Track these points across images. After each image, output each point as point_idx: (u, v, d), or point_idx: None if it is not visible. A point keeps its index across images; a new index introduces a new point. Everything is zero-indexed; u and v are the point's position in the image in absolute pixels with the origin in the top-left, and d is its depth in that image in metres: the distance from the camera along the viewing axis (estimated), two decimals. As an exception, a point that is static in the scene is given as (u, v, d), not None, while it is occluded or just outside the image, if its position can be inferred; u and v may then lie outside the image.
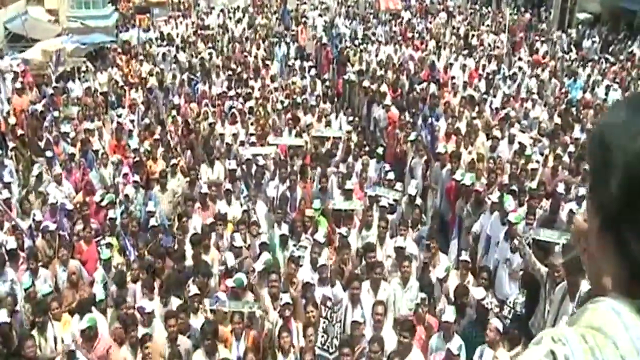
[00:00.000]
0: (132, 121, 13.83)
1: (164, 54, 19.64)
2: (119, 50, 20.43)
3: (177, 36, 22.56)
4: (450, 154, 10.56)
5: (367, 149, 12.45)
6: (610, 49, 21.63)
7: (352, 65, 17.47)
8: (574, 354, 0.98)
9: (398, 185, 10.00)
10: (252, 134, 12.76)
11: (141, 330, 6.90)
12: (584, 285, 6.73)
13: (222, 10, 27.40)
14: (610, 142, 0.99)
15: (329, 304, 7.22)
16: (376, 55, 18.93)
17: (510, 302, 7.05)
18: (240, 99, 15.09)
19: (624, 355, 0.95)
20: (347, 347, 6.27)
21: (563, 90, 16.56)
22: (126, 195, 10.38)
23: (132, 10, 28.17)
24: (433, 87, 15.15)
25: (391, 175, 10.41)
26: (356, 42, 20.79)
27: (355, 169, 10.79)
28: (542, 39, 22.72)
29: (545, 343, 1.01)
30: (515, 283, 7.72)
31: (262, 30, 23.93)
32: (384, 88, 14.98)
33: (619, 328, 0.97)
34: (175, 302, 7.36)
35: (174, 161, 11.57)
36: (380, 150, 11.83)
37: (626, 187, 0.96)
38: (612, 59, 19.52)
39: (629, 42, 21.72)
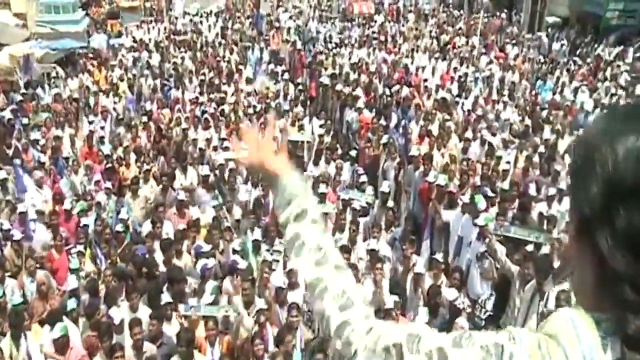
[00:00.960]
0: (102, 127, 13.66)
1: (134, 59, 19.47)
2: (90, 55, 20.22)
3: (150, 41, 22.42)
4: (422, 156, 10.64)
5: (340, 152, 12.46)
6: (578, 52, 22.03)
7: (326, 69, 17.51)
8: (520, 353, 1.03)
9: (370, 188, 10.04)
10: (224, 139, 12.72)
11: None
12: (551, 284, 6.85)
13: (195, 15, 27.29)
14: (593, 150, 1.02)
15: (305, 307, 7.24)
16: (349, 59, 19.01)
17: (481, 302, 7.12)
18: (214, 104, 15.05)
19: None
20: (320, 353, 6.25)
21: (533, 92, 16.81)
22: (98, 203, 10.26)
23: (103, 16, 27.89)
24: (406, 90, 15.25)
25: (364, 178, 10.46)
26: (329, 46, 20.86)
27: (328, 172, 10.82)
28: (513, 41, 23.05)
29: (502, 335, 1.08)
30: (487, 283, 7.80)
31: (236, 35, 23.91)
32: (357, 91, 15.06)
33: (572, 339, 0.99)
34: (143, 310, 7.26)
35: (146, 167, 11.47)
36: (353, 153, 11.88)
37: (605, 192, 0.98)
38: (579, 62, 19.88)
39: (595, 45, 22.14)
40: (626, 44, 21.31)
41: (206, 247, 8.45)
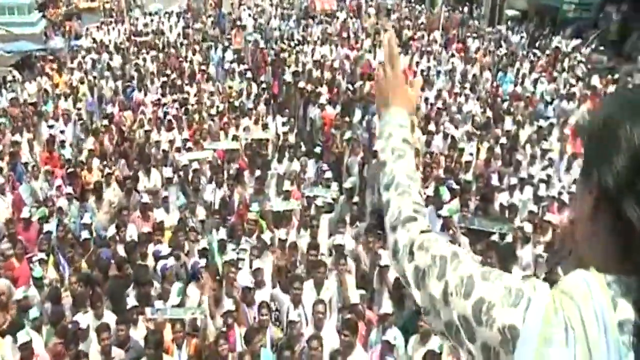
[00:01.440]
0: (62, 132, 13.40)
1: (94, 61, 19.15)
2: (49, 58, 19.81)
3: (110, 42, 22.07)
4: (386, 151, 10.69)
5: (304, 149, 12.47)
6: (537, 44, 22.43)
7: (289, 67, 17.48)
8: (537, 301, 1.10)
9: (335, 184, 10.07)
10: (187, 140, 12.62)
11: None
12: (516, 272, 6.97)
13: (155, 14, 26.96)
14: (615, 127, 1.09)
15: (273, 306, 7.24)
16: (312, 56, 19.01)
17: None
18: (177, 105, 14.91)
19: (585, 320, 1.04)
20: (288, 350, 6.25)
21: (495, 84, 17.06)
22: (60, 208, 10.07)
23: (61, 17, 27.33)
24: (369, 86, 15.32)
25: (329, 175, 10.49)
26: (292, 44, 20.83)
27: (293, 169, 10.82)
28: (475, 35, 23.34)
29: (526, 283, 1.15)
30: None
31: (198, 35, 23.70)
32: (320, 88, 15.08)
33: (585, 296, 1.06)
34: (108, 315, 7.17)
35: (107, 171, 11.30)
36: (317, 149, 11.90)
37: (632, 165, 1.06)
38: (539, 53, 20.24)
39: (553, 37, 22.59)
40: (582, 36, 21.78)
41: (165, 251, 8.36)
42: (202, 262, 8.06)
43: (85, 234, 9.11)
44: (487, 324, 1.14)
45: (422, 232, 1.38)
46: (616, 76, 17.10)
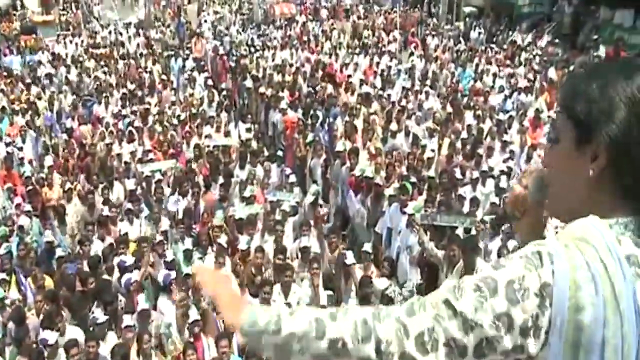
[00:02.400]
0: (20, 148, 13.14)
1: (50, 75, 18.81)
2: (3, 74, 19.41)
3: (67, 56, 21.71)
4: (348, 151, 10.77)
5: (267, 154, 12.47)
6: (495, 39, 22.81)
7: (250, 73, 17.45)
8: (557, 252, 1.19)
9: (298, 188, 10.08)
10: (149, 151, 12.50)
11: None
12: (480, 264, 7.06)
13: (114, 27, 26.63)
14: (611, 89, 1.24)
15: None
16: (272, 61, 19.02)
17: (407, 286, 7.26)
18: (137, 116, 14.75)
19: (603, 257, 1.18)
20: (254, 357, 6.23)
21: (454, 80, 17.27)
22: (20, 226, 9.87)
23: (16, 31, 26.76)
24: (329, 88, 15.40)
25: (292, 178, 10.49)
26: (252, 50, 20.80)
27: (256, 175, 10.81)
28: (433, 33, 23.62)
29: (530, 246, 1.24)
30: (417, 269, 7.97)
31: (157, 45, 23.48)
32: (281, 93, 15.10)
33: (597, 236, 1.20)
34: (72, 331, 7.04)
35: (69, 186, 11.11)
36: (280, 153, 11.90)
37: (631, 117, 1.22)
38: (496, 48, 20.58)
39: (510, 32, 23.00)
40: (537, 30, 22.22)
41: (130, 261, 8.28)
42: (173, 274, 7.96)
43: (59, 252, 8.96)
44: (523, 297, 1.18)
45: (375, 318, 1.27)
46: (571, 68, 17.48)
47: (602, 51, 14.69)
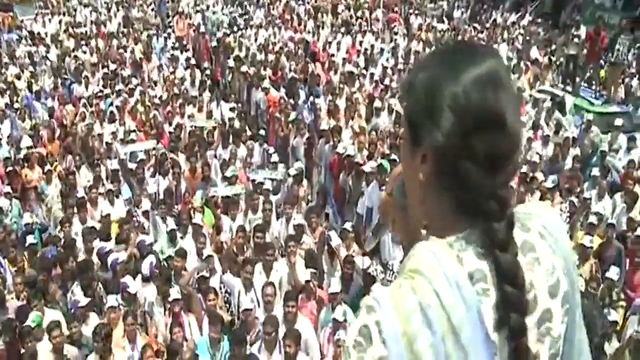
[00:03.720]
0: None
1: (30, 54, 18.50)
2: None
3: (46, 35, 21.32)
4: (331, 129, 10.76)
5: (249, 133, 12.42)
6: (478, 18, 22.77)
7: (232, 52, 17.30)
8: (384, 312, 1.07)
9: (282, 166, 10.06)
10: (133, 131, 12.40)
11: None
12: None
13: (95, 6, 26.17)
14: (437, 88, 1.10)
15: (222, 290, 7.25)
16: (255, 40, 18.85)
17: (390, 265, 7.32)
18: (122, 96, 14.58)
19: (437, 289, 1.06)
20: (237, 344, 6.23)
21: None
22: (0, 208, 9.78)
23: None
24: (312, 67, 15.33)
25: (275, 157, 10.47)
26: (234, 29, 20.59)
27: (239, 154, 10.77)
28: (417, 12, 23.51)
29: (360, 318, 1.11)
30: (399, 247, 8.00)
31: (139, 24, 23.14)
32: (264, 71, 15.01)
33: (433, 265, 1.08)
34: (51, 313, 7.00)
35: (48, 167, 10.99)
36: (262, 133, 11.86)
37: (461, 123, 1.08)
38: (479, 27, 20.57)
39: (493, 11, 22.99)
40: (520, 9, 22.22)
41: (110, 246, 8.23)
42: (154, 261, 7.91)
43: (33, 240, 8.86)
44: None
45: None
46: (553, 47, 17.56)
47: (582, 31, 14.76)
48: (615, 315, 6.92)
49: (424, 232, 1.36)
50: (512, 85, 1.15)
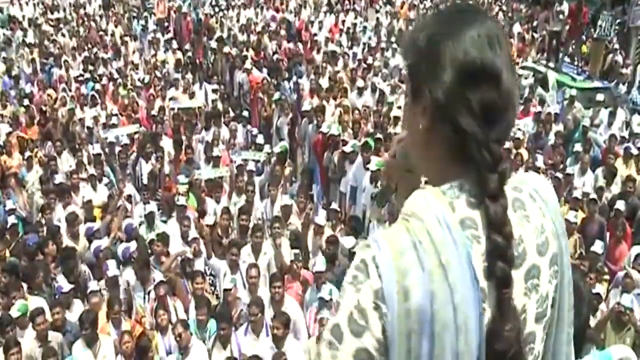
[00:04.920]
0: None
1: (8, 38, 18.17)
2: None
3: (24, 19, 20.92)
4: (314, 109, 10.71)
5: (232, 115, 12.33)
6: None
7: (214, 33, 17.11)
8: (380, 249, 1.12)
9: (266, 147, 10.01)
10: (115, 115, 12.25)
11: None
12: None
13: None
14: (438, 45, 1.17)
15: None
16: (237, 20, 18.65)
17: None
18: (104, 80, 14.40)
19: (429, 229, 1.11)
20: (224, 322, 6.24)
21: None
22: (-21, 196, 9.66)
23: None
24: (292, 46, 15.22)
25: (260, 139, 10.41)
26: (216, 9, 20.35)
27: (222, 136, 10.70)
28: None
29: (357, 256, 1.16)
30: (385, 225, 8.02)
31: (119, 6, 22.80)
32: (246, 52, 14.87)
33: (425, 208, 1.14)
34: (35, 301, 6.95)
35: (28, 154, 10.85)
36: (246, 114, 11.78)
37: (459, 77, 1.15)
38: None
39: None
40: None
41: (96, 226, 8.18)
42: (133, 246, 7.86)
43: (11, 219, 8.77)
44: (366, 321, 1.12)
45: None
46: (535, 23, 17.55)
47: (565, 7, 14.71)
48: (599, 288, 7.00)
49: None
50: (507, 48, 1.22)
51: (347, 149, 9.09)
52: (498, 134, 1.17)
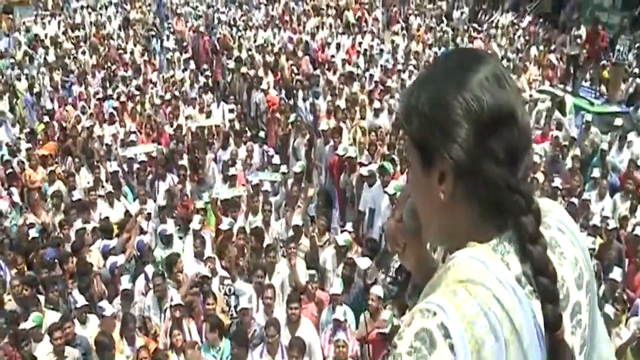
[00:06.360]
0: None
1: (30, 56, 18.51)
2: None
3: (46, 37, 21.32)
4: (332, 130, 10.75)
5: (249, 134, 12.42)
6: (477, 19, 22.75)
7: (232, 53, 17.31)
8: (448, 316, 1.01)
9: (283, 168, 10.04)
10: (133, 132, 12.39)
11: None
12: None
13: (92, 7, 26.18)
14: (446, 99, 1.08)
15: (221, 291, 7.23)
16: (254, 41, 18.86)
17: (391, 268, 7.30)
18: (122, 97, 14.60)
19: (496, 294, 1.03)
20: (240, 343, 6.20)
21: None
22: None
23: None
24: (311, 67, 15.33)
25: (276, 159, 10.45)
26: (234, 30, 20.59)
27: (239, 155, 10.77)
28: (416, 12, 23.50)
29: (415, 322, 1.03)
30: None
31: (138, 25, 23.16)
32: (263, 73, 15.00)
33: (482, 271, 1.04)
34: (52, 315, 6.99)
35: (50, 169, 10.98)
36: (262, 134, 11.86)
37: (476, 129, 1.07)
38: (479, 28, 20.54)
39: (493, 11, 22.96)
40: (519, 9, 22.21)
41: (113, 243, 8.23)
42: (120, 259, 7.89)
43: (32, 233, 8.85)
44: None
45: None
46: (552, 47, 17.54)
47: (583, 31, 14.71)
48: (609, 309, 6.82)
49: (432, 255, 1.37)
50: (514, 81, 1.14)
51: (364, 172, 9.09)
52: (524, 172, 1.12)
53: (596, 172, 10.00)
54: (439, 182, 1.11)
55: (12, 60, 18.27)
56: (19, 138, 12.82)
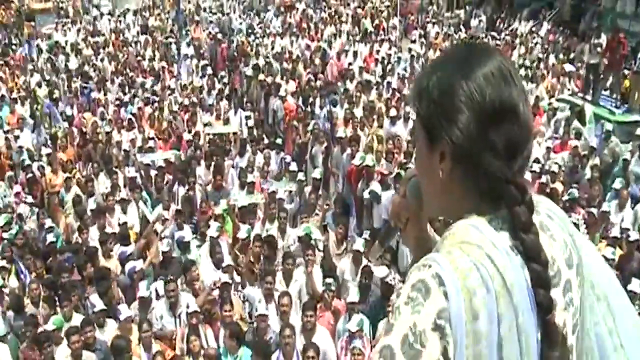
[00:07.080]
0: (16, 137, 13.05)
1: (52, 63, 18.75)
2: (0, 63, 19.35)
3: (67, 44, 21.59)
4: (349, 138, 10.74)
5: (266, 141, 12.45)
6: (495, 27, 22.67)
7: (249, 60, 17.40)
8: (442, 267, 1.10)
9: (300, 175, 10.03)
10: (151, 138, 12.48)
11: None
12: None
13: (111, 14, 26.50)
14: (451, 88, 1.16)
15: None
16: (272, 49, 18.94)
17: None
18: (140, 104, 14.72)
19: (489, 253, 1.11)
20: (259, 354, 6.19)
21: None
22: (19, 215, 9.87)
23: (14, 19, 26.57)
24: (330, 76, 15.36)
25: (293, 166, 10.45)
26: (252, 37, 20.71)
27: (256, 162, 10.79)
28: (434, 20, 23.47)
29: (413, 276, 1.13)
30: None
31: (157, 32, 23.39)
32: (281, 80, 15.05)
33: (477, 234, 1.13)
34: (77, 319, 7.05)
35: (67, 175, 11.08)
36: (279, 141, 11.88)
37: (478, 118, 1.14)
38: (497, 36, 20.46)
39: (512, 19, 22.87)
40: (538, 18, 22.08)
41: (130, 250, 8.27)
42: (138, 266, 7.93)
43: (50, 237, 8.92)
44: (422, 344, 1.09)
45: None
46: (572, 55, 17.41)
47: (603, 39, 14.57)
48: None
49: (432, 233, 1.44)
50: (520, 79, 1.21)
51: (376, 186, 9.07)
52: (520, 165, 1.19)
53: (617, 183, 9.86)
54: (440, 160, 1.19)
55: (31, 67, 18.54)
56: (45, 145, 12.94)
